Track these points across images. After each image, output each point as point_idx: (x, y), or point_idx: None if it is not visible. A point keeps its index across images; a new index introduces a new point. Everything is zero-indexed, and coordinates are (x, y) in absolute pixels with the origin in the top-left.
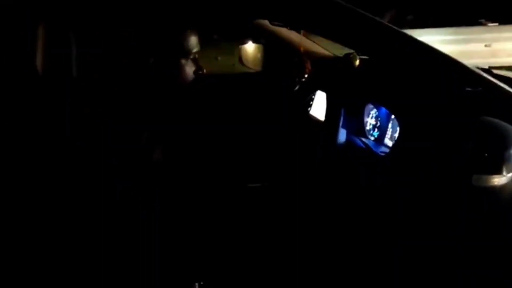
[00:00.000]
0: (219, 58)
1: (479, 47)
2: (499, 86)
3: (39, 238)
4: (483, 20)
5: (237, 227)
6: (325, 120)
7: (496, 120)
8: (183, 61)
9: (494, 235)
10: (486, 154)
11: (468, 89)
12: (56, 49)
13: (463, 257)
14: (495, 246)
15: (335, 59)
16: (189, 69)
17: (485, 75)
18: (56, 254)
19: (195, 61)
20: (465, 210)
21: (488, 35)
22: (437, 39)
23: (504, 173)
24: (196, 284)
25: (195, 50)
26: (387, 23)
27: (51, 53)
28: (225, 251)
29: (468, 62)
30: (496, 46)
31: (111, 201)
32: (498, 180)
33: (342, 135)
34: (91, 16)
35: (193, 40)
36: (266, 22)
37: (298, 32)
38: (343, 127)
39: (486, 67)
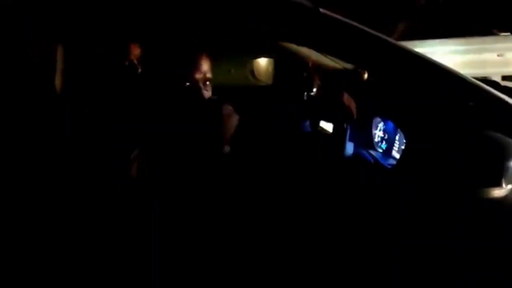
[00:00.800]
0: (232, 70)
1: (491, 56)
2: (501, 99)
3: (39, 238)
4: (495, 30)
5: (237, 227)
6: (332, 132)
7: (496, 133)
8: (182, 82)
9: (494, 245)
10: (486, 167)
11: (470, 103)
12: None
13: (463, 257)
14: (495, 248)
15: (344, 72)
16: (189, 93)
17: (486, 87)
18: (56, 254)
19: (196, 87)
20: (466, 216)
21: (500, 45)
22: (449, 49)
23: (504, 185)
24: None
25: (197, 75)
26: (386, 38)
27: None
28: (225, 251)
29: (481, 72)
30: (509, 55)
31: (111, 201)
32: (498, 192)
33: (349, 148)
34: (92, 16)
35: (200, 65)
36: None
37: None
38: (350, 139)
39: (499, 76)
